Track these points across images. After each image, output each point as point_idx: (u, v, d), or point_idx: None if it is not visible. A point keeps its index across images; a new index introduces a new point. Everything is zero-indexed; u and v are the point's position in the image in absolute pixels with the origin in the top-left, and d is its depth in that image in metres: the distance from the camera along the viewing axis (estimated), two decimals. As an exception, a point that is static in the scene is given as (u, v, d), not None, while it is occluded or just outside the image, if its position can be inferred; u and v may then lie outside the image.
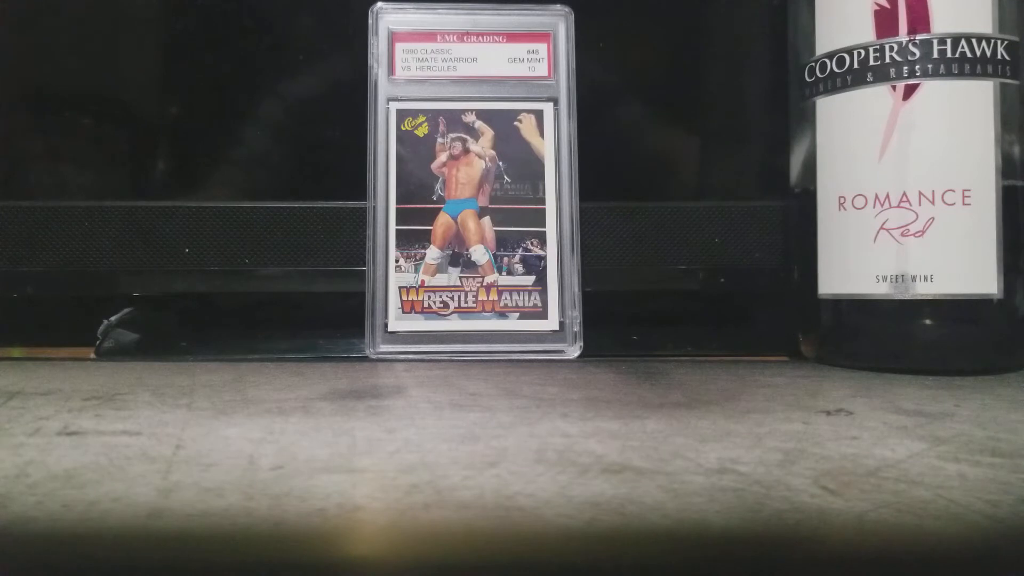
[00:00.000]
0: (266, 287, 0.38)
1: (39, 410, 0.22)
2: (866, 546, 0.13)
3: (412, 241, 0.35)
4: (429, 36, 0.37)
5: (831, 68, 0.31)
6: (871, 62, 0.30)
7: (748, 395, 0.26)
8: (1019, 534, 0.13)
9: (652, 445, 0.19)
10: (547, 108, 0.36)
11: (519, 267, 0.35)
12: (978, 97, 0.29)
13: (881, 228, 0.30)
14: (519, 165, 0.36)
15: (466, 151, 0.36)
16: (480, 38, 0.37)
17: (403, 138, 0.36)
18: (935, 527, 0.14)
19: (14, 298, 0.37)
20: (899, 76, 0.30)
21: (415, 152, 0.36)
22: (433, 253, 0.35)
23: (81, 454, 0.17)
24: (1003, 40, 0.29)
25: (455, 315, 0.35)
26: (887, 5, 0.30)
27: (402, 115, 0.36)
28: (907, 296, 0.29)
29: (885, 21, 0.30)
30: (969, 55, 0.29)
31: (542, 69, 0.37)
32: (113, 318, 0.38)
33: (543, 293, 0.35)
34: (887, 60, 0.30)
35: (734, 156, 0.41)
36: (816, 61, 0.32)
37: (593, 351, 0.35)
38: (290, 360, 0.36)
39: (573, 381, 0.28)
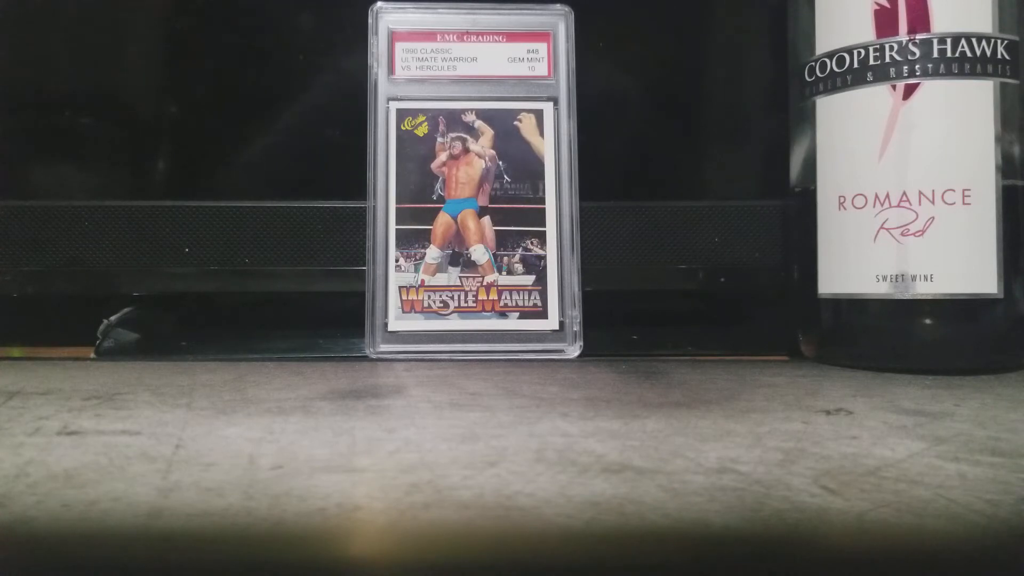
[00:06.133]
0: (266, 287, 0.38)
1: (39, 410, 0.22)
2: (866, 546, 0.13)
3: (412, 241, 0.35)
4: (429, 36, 0.37)
5: (831, 68, 0.31)
6: (871, 62, 0.30)
7: (748, 395, 0.26)
8: (1019, 534, 0.13)
9: (652, 445, 0.19)
10: (547, 108, 0.36)
11: (519, 267, 0.35)
12: (978, 97, 0.29)
13: (881, 228, 0.30)
14: (519, 165, 0.36)
15: (466, 151, 0.36)
16: (480, 38, 0.37)
17: (403, 138, 0.36)
18: (935, 527, 0.14)
19: (14, 298, 0.37)
20: (899, 76, 0.30)
21: (415, 152, 0.36)
22: (433, 253, 0.35)
23: (81, 454, 0.17)
24: (1003, 40, 0.29)
25: (455, 315, 0.35)
26: (887, 4, 0.30)
27: (402, 115, 0.36)
28: (907, 296, 0.29)
29: (885, 20, 0.30)
30: (969, 55, 0.29)
31: (542, 69, 0.37)
32: (113, 318, 0.38)
33: (543, 293, 0.35)
34: (887, 60, 0.30)
35: (734, 156, 0.41)
36: (816, 60, 0.32)
37: (593, 351, 0.35)
38: (290, 360, 0.36)
39: (573, 381, 0.28)
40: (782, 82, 0.35)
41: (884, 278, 0.30)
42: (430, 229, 0.35)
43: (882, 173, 0.30)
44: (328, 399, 0.24)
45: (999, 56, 0.29)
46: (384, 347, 0.34)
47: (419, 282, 0.35)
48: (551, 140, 0.36)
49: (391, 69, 0.36)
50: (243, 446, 0.18)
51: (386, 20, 0.37)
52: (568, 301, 0.35)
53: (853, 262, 0.31)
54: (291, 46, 0.38)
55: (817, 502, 0.15)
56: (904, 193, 0.30)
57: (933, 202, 0.29)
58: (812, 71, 0.32)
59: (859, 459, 0.18)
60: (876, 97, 0.30)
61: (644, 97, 0.40)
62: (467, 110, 0.36)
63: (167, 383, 0.27)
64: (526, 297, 0.35)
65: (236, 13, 0.39)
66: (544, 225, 0.35)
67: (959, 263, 0.29)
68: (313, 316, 0.40)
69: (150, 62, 0.39)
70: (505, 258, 0.35)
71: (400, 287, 0.35)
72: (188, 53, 0.39)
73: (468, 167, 0.36)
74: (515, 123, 0.36)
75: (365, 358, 0.34)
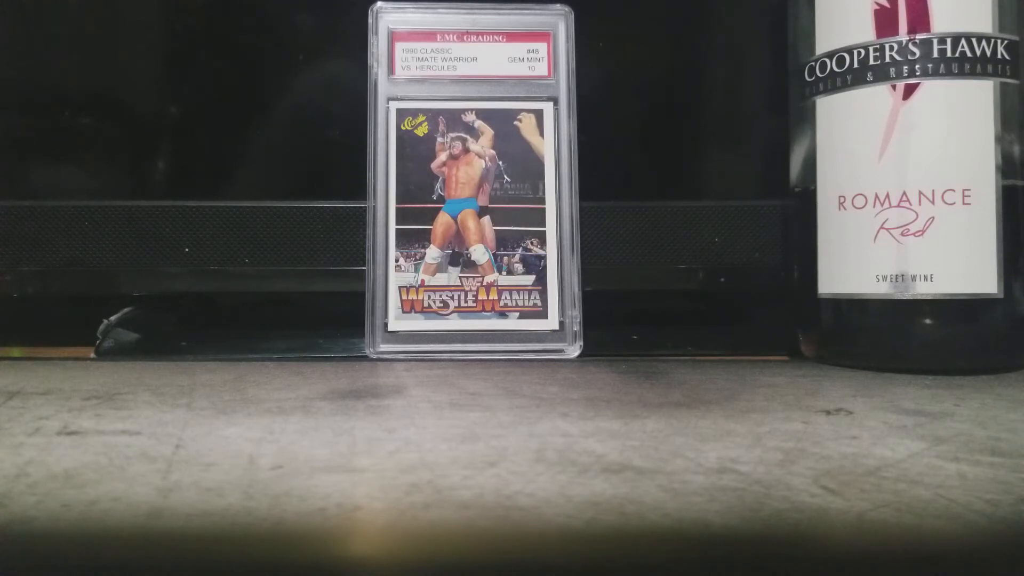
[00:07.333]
0: (266, 287, 0.38)
1: (39, 410, 0.22)
2: (866, 546, 0.13)
3: (412, 241, 0.35)
4: (429, 35, 0.37)
5: (831, 67, 0.31)
6: (871, 61, 0.30)
7: (748, 395, 0.26)
8: (1019, 534, 0.13)
9: (652, 445, 0.19)
10: (547, 108, 0.36)
11: (519, 267, 0.35)
12: (978, 97, 0.29)
13: (881, 228, 0.30)
14: (519, 165, 0.36)
15: (466, 150, 0.36)
16: (480, 37, 0.37)
17: (403, 138, 0.36)
18: (935, 527, 0.14)
19: (14, 298, 0.37)
20: (899, 76, 0.30)
21: (415, 152, 0.36)
22: (433, 253, 0.35)
23: (81, 454, 0.17)
24: (1003, 40, 0.29)
25: (455, 315, 0.35)
26: (887, 4, 0.30)
27: (402, 115, 0.36)
28: (907, 296, 0.29)
29: (885, 20, 0.30)
30: (969, 55, 0.29)
31: (542, 68, 0.37)
32: (113, 318, 0.38)
33: (543, 293, 0.35)
34: (887, 60, 0.30)
35: (734, 156, 0.41)
36: (816, 60, 0.32)
37: (593, 351, 0.35)
38: (290, 360, 0.36)
39: (573, 381, 0.28)
40: (782, 82, 0.35)
41: (884, 278, 0.30)
42: (430, 229, 0.35)
43: (882, 173, 0.30)
44: (328, 399, 0.24)
45: (999, 56, 0.29)
46: (384, 347, 0.34)
47: (419, 282, 0.35)
48: (551, 140, 0.36)
49: (391, 69, 0.36)
50: (243, 446, 0.18)
51: (386, 20, 0.37)
52: (568, 301, 0.35)
53: (853, 262, 0.31)
54: (291, 46, 0.38)
55: (817, 502, 0.15)
56: (904, 193, 0.30)
57: (933, 202, 0.29)
58: (812, 71, 0.32)
59: (859, 459, 0.18)
60: (876, 97, 0.30)
61: (644, 97, 0.40)
62: (467, 110, 0.36)
63: (167, 383, 0.27)
64: (526, 297, 0.35)
65: (236, 13, 0.39)
66: (544, 225, 0.35)
67: (959, 263, 0.29)
68: (313, 316, 0.40)
69: (150, 62, 0.39)
70: (505, 258, 0.35)
71: (400, 287, 0.35)
72: (188, 53, 0.39)
73: (468, 167, 0.36)
74: (515, 123, 0.36)
75: (365, 358, 0.34)
